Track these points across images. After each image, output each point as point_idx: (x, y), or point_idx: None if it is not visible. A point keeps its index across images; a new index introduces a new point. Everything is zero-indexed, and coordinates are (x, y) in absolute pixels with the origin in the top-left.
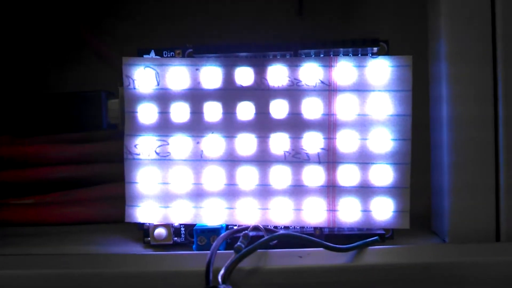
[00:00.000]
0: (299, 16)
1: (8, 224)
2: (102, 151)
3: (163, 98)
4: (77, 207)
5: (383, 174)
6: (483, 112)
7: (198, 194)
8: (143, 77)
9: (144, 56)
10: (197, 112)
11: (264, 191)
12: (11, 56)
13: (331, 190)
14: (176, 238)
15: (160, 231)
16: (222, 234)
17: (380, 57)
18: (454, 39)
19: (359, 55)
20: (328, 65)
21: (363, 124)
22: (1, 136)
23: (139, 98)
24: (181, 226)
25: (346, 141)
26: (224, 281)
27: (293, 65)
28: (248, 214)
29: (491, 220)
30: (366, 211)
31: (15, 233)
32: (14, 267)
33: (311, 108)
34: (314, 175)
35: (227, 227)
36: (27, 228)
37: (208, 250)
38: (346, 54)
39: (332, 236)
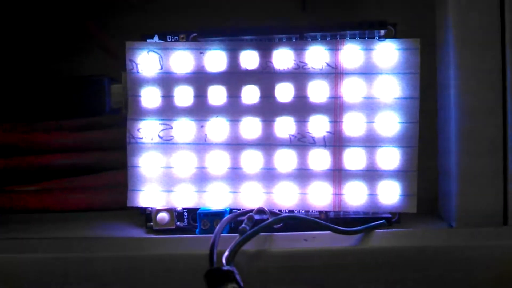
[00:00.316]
0: (302, 11)
1: (11, 211)
2: (105, 138)
3: (167, 81)
4: (80, 194)
5: (390, 158)
6: (492, 97)
7: (201, 178)
8: (146, 61)
9: (148, 40)
10: (201, 95)
11: (269, 175)
12: (13, 45)
13: (337, 174)
14: (179, 223)
15: (163, 216)
16: (226, 217)
17: (387, 40)
18: (462, 25)
19: (366, 38)
20: (334, 48)
21: (370, 107)
22: (4, 123)
23: (143, 82)
24: (184, 210)
25: (353, 124)
26: (228, 263)
27: (299, 48)
28: (252, 198)
29: (499, 203)
30: (372, 194)
31: (18, 220)
32: (17, 251)
33: (317, 91)
34: (320, 158)
35: (231, 211)
36: (31, 215)
37: (212, 234)
38: (352, 38)
39: (337, 220)
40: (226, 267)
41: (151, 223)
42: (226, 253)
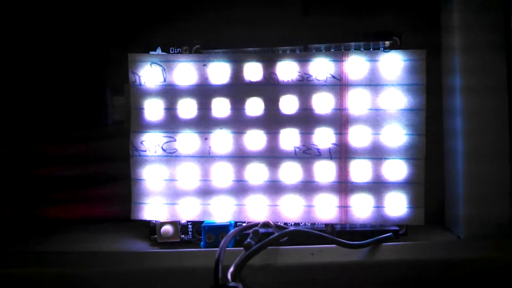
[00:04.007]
0: (305, 16)
1: (13, 222)
2: (107, 150)
3: (170, 94)
4: (83, 205)
5: (397, 170)
6: (498, 104)
7: (206, 191)
8: (149, 73)
9: (151, 52)
10: (204, 108)
11: (274, 188)
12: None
13: (343, 186)
14: (183, 236)
15: (167, 229)
16: (231, 231)
17: (392, 51)
18: (468, 32)
19: (371, 49)
20: (339, 60)
21: (375, 119)
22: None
23: (146, 94)
24: (189, 223)
25: (358, 136)
26: (233, 279)
27: (303, 60)
28: (257, 210)
29: (507, 216)
30: (379, 207)
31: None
32: (20, 265)
33: (322, 103)
34: (325, 170)
35: (235, 224)
36: (31, 227)
37: (217, 247)
38: (357, 49)
39: (344, 233)
40: (231, 284)
41: (155, 236)
42: (232, 269)
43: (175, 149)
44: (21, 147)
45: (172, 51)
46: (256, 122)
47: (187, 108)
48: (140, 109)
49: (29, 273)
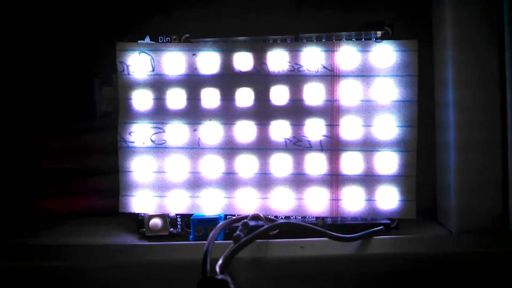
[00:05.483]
0: (298, 10)
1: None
2: (95, 142)
3: (159, 84)
4: (71, 198)
5: (388, 162)
6: (490, 97)
7: (195, 183)
8: (138, 63)
9: (139, 41)
10: (194, 98)
11: (264, 180)
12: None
13: (334, 179)
14: (172, 229)
15: (156, 222)
16: (220, 223)
17: (384, 41)
18: (460, 24)
19: (363, 39)
20: (330, 50)
21: (367, 110)
22: None
23: (134, 85)
24: (178, 216)
25: (350, 128)
26: (222, 272)
27: (294, 49)
28: (247, 203)
29: (499, 210)
30: (370, 200)
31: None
32: (10, 258)
33: (313, 94)
34: (316, 163)
35: (225, 217)
36: (18, 219)
37: (206, 241)
38: (349, 39)
39: (335, 227)
40: (219, 276)
41: (144, 229)
42: (220, 262)
43: (164, 140)
44: (9, 140)
45: (161, 40)
46: (246, 113)
47: (176, 98)
48: (128, 100)
49: (15, 266)
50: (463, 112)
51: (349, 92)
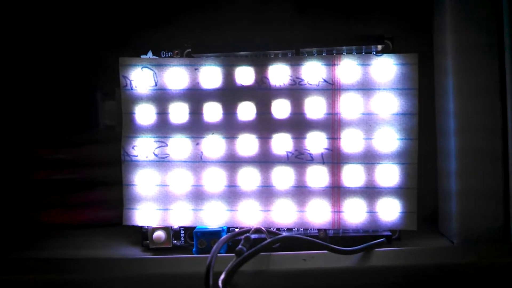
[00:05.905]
0: (300, 16)
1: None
2: (97, 154)
3: (161, 98)
4: (75, 210)
5: (390, 174)
6: (491, 106)
7: (198, 196)
8: (140, 77)
9: (142, 56)
10: (196, 112)
11: (266, 193)
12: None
13: (336, 191)
14: (175, 241)
15: (159, 234)
16: (223, 237)
17: (384, 55)
18: (460, 33)
19: (363, 53)
20: (331, 64)
21: (368, 123)
22: None
23: (137, 99)
24: (181, 229)
25: (351, 141)
26: (224, 286)
27: (295, 64)
28: (250, 216)
29: (500, 220)
30: (372, 212)
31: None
32: (13, 272)
33: (314, 108)
34: (318, 175)
35: (228, 229)
36: (22, 231)
37: (209, 253)
38: (349, 53)
39: (337, 239)
40: None
41: (147, 242)
42: (223, 276)
43: (166, 154)
44: (11, 151)
45: (163, 55)
46: (248, 127)
47: (179, 112)
48: (131, 114)
49: (18, 280)
50: (464, 120)
51: (350, 106)
